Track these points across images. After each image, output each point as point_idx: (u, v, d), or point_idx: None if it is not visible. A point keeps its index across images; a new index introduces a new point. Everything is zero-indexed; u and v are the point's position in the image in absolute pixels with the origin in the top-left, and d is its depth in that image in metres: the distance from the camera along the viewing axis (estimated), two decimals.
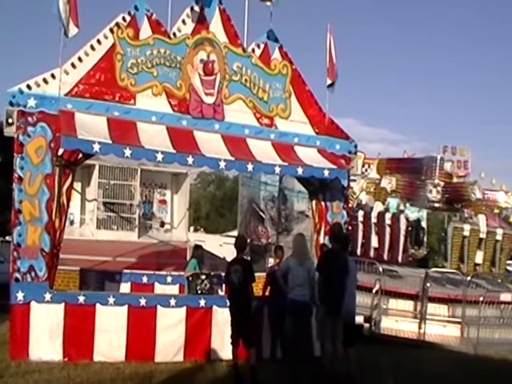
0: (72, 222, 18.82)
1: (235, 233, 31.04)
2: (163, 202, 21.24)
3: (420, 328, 16.79)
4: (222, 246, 29.67)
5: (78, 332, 10.73)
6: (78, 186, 18.41)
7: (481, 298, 17.16)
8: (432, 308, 17.41)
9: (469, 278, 18.29)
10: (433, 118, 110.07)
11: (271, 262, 19.24)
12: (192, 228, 38.45)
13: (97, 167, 19.45)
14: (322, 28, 13.17)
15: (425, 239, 26.15)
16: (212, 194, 72.01)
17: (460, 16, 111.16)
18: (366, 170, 25.60)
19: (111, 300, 11.05)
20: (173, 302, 11.48)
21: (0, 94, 12.11)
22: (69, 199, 11.48)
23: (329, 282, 10.27)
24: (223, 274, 11.59)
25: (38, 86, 10.78)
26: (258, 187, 27.61)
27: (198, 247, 14.79)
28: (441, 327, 17.19)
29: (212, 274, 14.43)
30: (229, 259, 13.98)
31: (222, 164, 11.26)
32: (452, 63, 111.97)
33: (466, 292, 17.47)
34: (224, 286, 12.10)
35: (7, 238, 25.70)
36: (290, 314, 10.67)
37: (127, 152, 10.46)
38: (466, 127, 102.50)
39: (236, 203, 34.56)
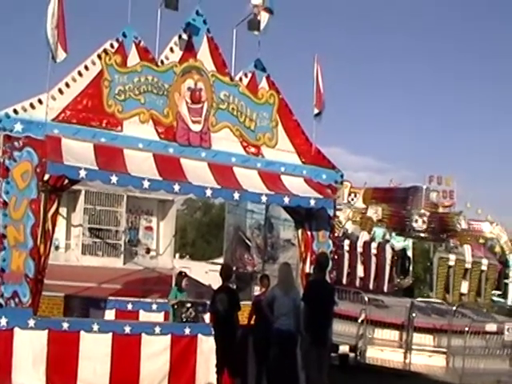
0: (57, 247, 18.72)
1: (221, 260, 30.88)
2: (149, 228, 21.20)
3: (405, 358, 16.79)
4: (208, 273, 29.48)
5: (62, 359, 10.62)
6: (63, 211, 18.34)
7: (466, 328, 17.17)
8: (417, 338, 17.39)
9: (454, 308, 18.32)
10: (419, 147, 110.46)
11: (257, 290, 19.20)
12: (178, 255, 38.26)
13: (83, 193, 19.41)
14: (310, 57, 13.28)
15: (410, 268, 26.15)
16: (198, 221, 71.80)
17: (446, 46, 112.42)
18: (353, 199, 25.59)
19: (95, 327, 10.95)
20: (158, 329, 11.40)
21: None
22: (54, 225, 11.39)
23: (314, 312, 10.23)
24: (209, 302, 11.54)
25: (25, 110, 10.74)
26: (245, 215, 27.56)
27: (179, 274, 14.66)
28: (426, 357, 17.18)
29: (198, 301, 14.35)
30: (214, 287, 13.92)
31: (209, 192, 11.26)
32: (437, 92, 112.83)
33: (451, 322, 17.49)
34: (209, 314, 12.02)
35: None
36: (275, 343, 10.64)
37: (113, 179, 10.46)
38: (451, 156, 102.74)
39: (222, 230, 34.44)
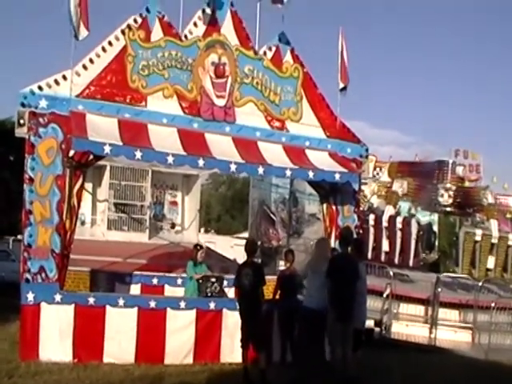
0: (83, 223, 18.88)
1: (246, 234, 31.02)
2: (174, 203, 21.30)
3: (431, 333, 16.72)
4: (233, 248, 29.66)
5: (88, 333, 10.74)
6: (89, 186, 18.46)
7: (492, 304, 17.05)
8: (443, 313, 17.31)
9: (480, 284, 18.18)
10: (444, 121, 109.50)
11: (282, 264, 19.21)
12: (203, 229, 38.46)
13: (108, 168, 19.52)
14: (334, 30, 13.14)
15: (436, 243, 26.02)
16: (223, 195, 71.88)
17: (476, 18, 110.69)
18: (378, 174, 25.45)
19: (121, 302, 11.05)
20: (183, 304, 11.47)
21: (12, 94, 12.19)
22: (79, 200, 11.53)
23: (337, 287, 10.20)
24: (234, 276, 11.54)
25: (50, 87, 10.79)
26: (269, 189, 27.56)
27: (194, 247, 14.48)
28: (452, 332, 17.10)
29: (222, 276, 14.32)
30: (239, 261, 13.89)
31: (233, 167, 11.24)
32: (465, 65, 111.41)
33: (477, 297, 17.36)
34: (234, 289, 12.05)
35: (19, 236, 25.84)
36: (304, 320, 10.75)
37: (138, 154, 10.47)
38: (477, 130, 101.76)
39: (246, 205, 34.53)
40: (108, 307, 10.93)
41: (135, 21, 11.46)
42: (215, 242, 28.71)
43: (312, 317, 10.55)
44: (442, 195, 23.63)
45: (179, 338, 11.29)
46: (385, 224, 22.74)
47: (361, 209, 17.41)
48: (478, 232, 22.98)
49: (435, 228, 26.06)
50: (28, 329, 10.50)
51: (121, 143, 10.42)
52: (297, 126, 12.88)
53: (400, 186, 23.87)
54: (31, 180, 10.65)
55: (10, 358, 10.47)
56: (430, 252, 24.82)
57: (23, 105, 10.65)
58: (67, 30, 10.68)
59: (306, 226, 25.97)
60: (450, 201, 23.69)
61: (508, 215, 24.77)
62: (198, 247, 14.11)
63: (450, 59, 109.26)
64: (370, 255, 22.13)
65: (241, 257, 14.17)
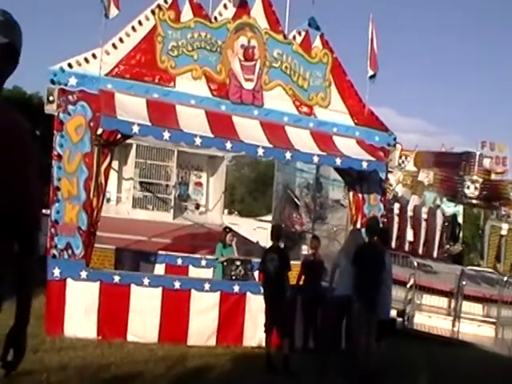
0: (108, 200, 18.88)
1: (269, 217, 30.95)
2: (199, 184, 21.24)
3: (454, 326, 16.54)
4: (256, 230, 29.61)
5: (113, 311, 10.83)
6: (115, 164, 18.39)
7: None
8: (466, 306, 17.11)
9: (505, 278, 17.97)
10: (470, 110, 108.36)
11: (305, 249, 19.16)
12: (226, 211, 38.41)
13: (134, 147, 19.49)
14: (363, 15, 13.03)
15: (460, 235, 25.77)
16: (246, 177, 71.70)
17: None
18: (403, 162, 25.19)
19: (146, 281, 11.11)
20: (207, 286, 11.52)
21: (42, 71, 12.21)
22: (107, 179, 11.53)
23: (362, 277, 10.15)
24: (257, 259, 11.54)
25: (80, 65, 10.82)
26: (294, 174, 27.43)
27: (224, 229, 14.64)
28: (475, 326, 16.90)
29: (247, 259, 14.30)
30: (262, 243, 13.87)
31: (260, 151, 11.20)
32: (493, 55, 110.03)
33: (501, 292, 17.14)
34: (259, 273, 12.04)
35: (44, 211, 25.97)
36: (334, 308, 10.79)
37: (166, 135, 10.46)
38: (504, 121, 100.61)
39: (270, 187, 34.45)
40: (133, 286, 11.00)
41: (165, 1, 11.44)
42: (239, 224, 28.65)
43: (345, 303, 10.56)
44: (469, 187, 23.35)
45: (203, 320, 11.33)
46: (410, 213, 22.54)
47: (386, 197, 17.29)
48: (505, 226, 22.73)
49: (460, 219, 25.83)
50: (53, 304, 10.58)
51: (149, 123, 10.41)
52: (325, 111, 12.81)
53: (426, 176, 23.64)
54: (59, 157, 10.72)
55: (35, 332, 10.40)
56: (455, 243, 24.56)
57: (53, 82, 10.68)
58: (98, 8, 10.71)
59: (329, 211, 25.84)
60: (477, 193, 23.39)
61: None
62: (227, 230, 14.21)
63: (480, 48, 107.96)
64: (393, 244, 22.00)
65: (263, 240, 14.16)
